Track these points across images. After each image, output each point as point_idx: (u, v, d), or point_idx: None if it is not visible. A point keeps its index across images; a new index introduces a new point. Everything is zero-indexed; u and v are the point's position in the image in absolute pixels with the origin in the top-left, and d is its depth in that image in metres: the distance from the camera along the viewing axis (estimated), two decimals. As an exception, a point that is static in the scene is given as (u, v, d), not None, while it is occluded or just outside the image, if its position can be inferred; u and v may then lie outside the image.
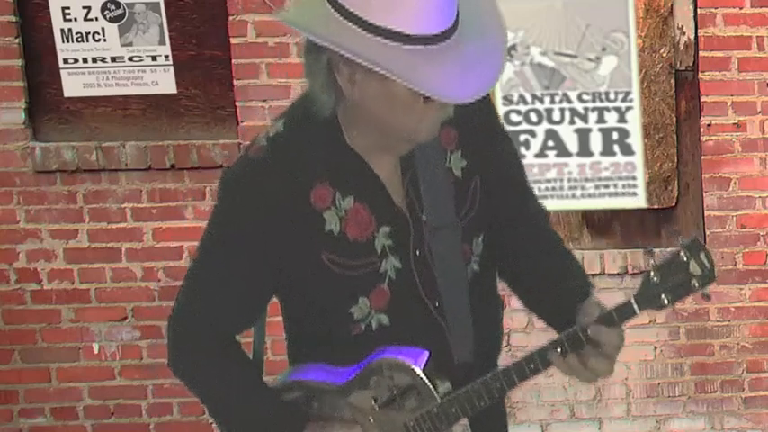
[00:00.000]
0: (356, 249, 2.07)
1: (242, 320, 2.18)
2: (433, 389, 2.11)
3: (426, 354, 2.11)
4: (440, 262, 2.12)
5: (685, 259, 2.03)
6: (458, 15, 1.92)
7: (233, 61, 4.55)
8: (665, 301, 2.06)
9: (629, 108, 4.63)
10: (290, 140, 2.07)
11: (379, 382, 2.11)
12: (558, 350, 2.08)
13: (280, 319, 2.25)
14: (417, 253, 2.11)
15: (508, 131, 2.32)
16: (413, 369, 2.10)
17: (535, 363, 2.10)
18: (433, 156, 2.11)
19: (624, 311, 2.07)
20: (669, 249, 2.13)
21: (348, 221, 2.06)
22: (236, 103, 4.61)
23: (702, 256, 2.04)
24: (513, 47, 4.60)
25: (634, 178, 4.66)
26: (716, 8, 4.56)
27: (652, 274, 2.06)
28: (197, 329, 2.13)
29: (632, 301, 2.06)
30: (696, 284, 2.04)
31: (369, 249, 2.07)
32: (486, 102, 2.17)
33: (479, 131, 2.15)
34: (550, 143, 4.65)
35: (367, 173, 2.07)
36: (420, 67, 1.85)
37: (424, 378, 2.10)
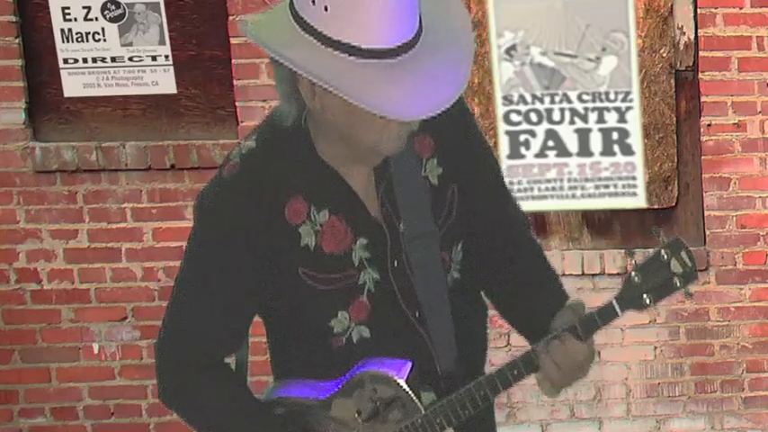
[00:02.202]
0: (333, 263, 2.05)
1: (229, 342, 2.16)
2: (416, 400, 2.09)
3: (409, 365, 2.10)
4: (419, 271, 2.10)
5: (666, 258, 2.02)
6: (421, 26, 1.90)
7: (233, 61, 4.55)
8: (647, 302, 2.05)
9: (629, 108, 4.63)
10: (262, 156, 2.06)
11: (363, 395, 2.10)
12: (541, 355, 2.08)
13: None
14: (395, 263, 2.09)
15: (486, 136, 2.31)
16: (396, 381, 2.08)
17: (518, 369, 2.09)
18: (408, 164, 2.09)
19: (606, 314, 2.06)
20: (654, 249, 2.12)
21: (324, 235, 2.04)
22: (236, 103, 4.61)
23: (683, 254, 2.02)
24: (513, 47, 4.61)
25: (634, 178, 4.66)
26: (716, 8, 4.55)
27: (633, 274, 2.04)
28: (184, 356, 2.12)
29: (614, 302, 2.05)
30: (678, 283, 2.03)
31: (346, 262, 2.06)
32: (462, 107, 2.16)
33: (455, 138, 2.14)
34: (550, 143, 4.65)
35: (340, 185, 2.06)
36: (373, 82, 1.84)
37: (408, 389, 2.09)
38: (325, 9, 1.83)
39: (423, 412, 2.10)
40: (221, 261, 2.04)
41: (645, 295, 2.03)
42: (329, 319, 2.07)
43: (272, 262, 2.03)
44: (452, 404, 2.10)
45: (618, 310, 2.05)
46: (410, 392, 2.09)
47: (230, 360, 2.23)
